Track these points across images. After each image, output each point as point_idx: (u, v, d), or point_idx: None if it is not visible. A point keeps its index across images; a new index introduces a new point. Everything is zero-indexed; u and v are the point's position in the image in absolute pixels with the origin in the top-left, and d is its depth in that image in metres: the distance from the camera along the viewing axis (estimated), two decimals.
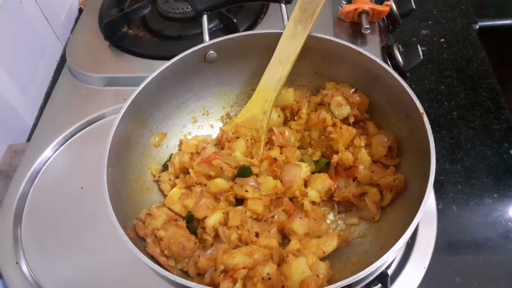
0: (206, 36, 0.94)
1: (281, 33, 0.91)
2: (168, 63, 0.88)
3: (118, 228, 0.68)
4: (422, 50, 1.16)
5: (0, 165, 1.14)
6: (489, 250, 0.99)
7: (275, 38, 0.91)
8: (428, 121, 0.76)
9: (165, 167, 0.94)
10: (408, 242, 0.92)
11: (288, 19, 0.91)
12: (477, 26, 1.46)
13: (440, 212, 1.01)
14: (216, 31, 1.24)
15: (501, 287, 0.94)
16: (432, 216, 0.97)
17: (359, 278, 0.62)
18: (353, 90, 0.91)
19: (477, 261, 0.97)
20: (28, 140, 1.22)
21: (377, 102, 0.90)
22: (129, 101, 0.83)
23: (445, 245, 0.99)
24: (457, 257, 0.99)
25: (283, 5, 0.95)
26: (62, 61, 1.40)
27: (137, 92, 0.84)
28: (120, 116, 0.81)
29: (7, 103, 1.18)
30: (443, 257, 0.97)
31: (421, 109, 0.77)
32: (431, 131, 0.74)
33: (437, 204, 1.01)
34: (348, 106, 0.90)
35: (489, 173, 1.11)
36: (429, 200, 0.97)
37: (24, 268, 0.91)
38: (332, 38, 0.89)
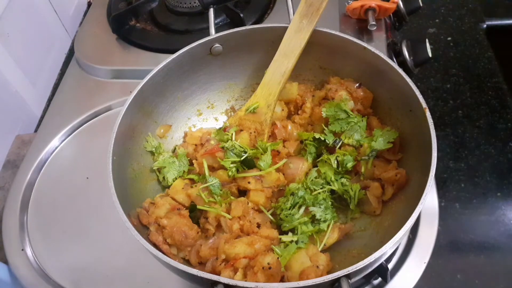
0: (212, 30, 0.95)
1: (287, 27, 0.91)
2: (174, 55, 0.89)
3: (122, 215, 0.69)
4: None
5: (8, 155, 1.16)
6: (491, 249, 0.99)
7: (280, 32, 0.91)
8: (430, 115, 0.76)
9: None
10: (409, 237, 0.93)
11: (294, 13, 0.92)
12: (485, 25, 1.46)
13: (442, 209, 1.01)
14: (223, 26, 1.24)
15: (502, 285, 0.94)
16: (434, 213, 0.97)
17: (358, 268, 0.63)
18: (357, 85, 0.91)
19: (479, 259, 0.98)
20: (36, 131, 1.24)
21: (381, 97, 0.91)
22: (135, 91, 0.84)
23: (447, 243, 0.99)
24: (459, 254, 0.99)
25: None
26: (71, 53, 1.42)
27: (143, 83, 0.86)
28: (126, 106, 0.82)
29: (16, 94, 1.19)
30: (445, 254, 0.97)
31: (424, 104, 0.78)
32: (433, 125, 0.75)
33: (440, 202, 1.01)
34: (352, 101, 0.90)
35: (493, 172, 1.11)
36: (432, 197, 0.98)
37: (30, 255, 0.93)
38: (337, 33, 0.90)
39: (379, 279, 0.88)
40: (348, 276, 0.63)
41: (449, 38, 1.43)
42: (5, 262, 0.93)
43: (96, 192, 1.00)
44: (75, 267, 0.92)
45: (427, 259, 0.90)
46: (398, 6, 1.22)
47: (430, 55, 1.11)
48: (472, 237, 1.01)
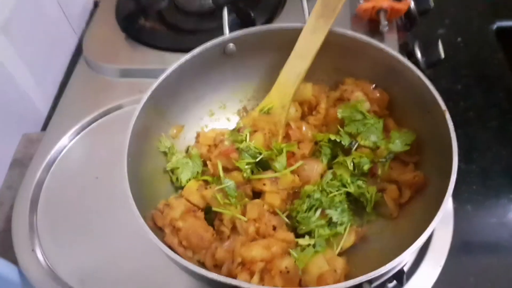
0: (226, 29, 0.94)
1: (302, 27, 0.90)
2: (188, 55, 0.88)
3: (139, 218, 0.68)
4: None
5: (15, 153, 1.15)
6: (504, 251, 0.98)
7: (295, 33, 0.90)
8: (450, 118, 0.76)
9: None
10: None
11: (309, 14, 0.91)
12: (495, 27, 1.45)
13: (454, 212, 1.00)
14: (233, 25, 1.22)
15: None
16: (449, 215, 0.96)
17: (379, 274, 0.62)
18: (373, 86, 0.90)
19: (491, 262, 0.97)
20: (43, 129, 1.23)
21: (397, 99, 0.90)
22: (150, 91, 0.83)
23: (459, 245, 0.98)
24: (471, 257, 0.98)
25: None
26: (77, 52, 1.41)
27: (157, 83, 0.85)
28: (141, 106, 0.81)
29: (22, 92, 1.18)
30: (457, 256, 0.96)
31: (443, 106, 0.77)
32: (453, 128, 0.74)
33: (452, 204, 1.00)
34: (368, 102, 0.89)
35: (505, 174, 1.10)
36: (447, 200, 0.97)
37: (40, 255, 0.92)
38: (353, 34, 0.89)
39: (394, 282, 0.87)
40: (369, 281, 0.62)
41: (459, 39, 1.42)
42: (15, 263, 0.92)
43: (106, 192, 0.98)
44: (85, 268, 0.91)
45: (442, 262, 0.89)
46: (409, 7, 1.21)
47: (442, 55, 1.10)
48: (485, 240, 1.00)
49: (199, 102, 0.99)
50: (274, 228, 0.79)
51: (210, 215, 0.83)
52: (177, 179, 0.88)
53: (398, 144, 0.83)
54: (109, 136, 1.06)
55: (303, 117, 0.97)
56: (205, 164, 0.90)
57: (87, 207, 0.99)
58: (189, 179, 0.87)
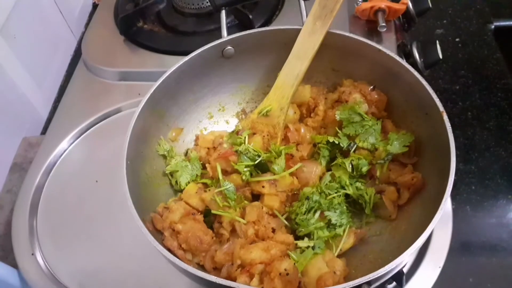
0: (224, 32, 0.94)
1: (300, 29, 0.91)
2: (186, 57, 0.89)
3: (138, 221, 0.69)
4: None
5: (15, 157, 1.15)
6: (502, 251, 0.98)
7: (293, 34, 0.91)
8: (448, 119, 0.76)
9: None
10: None
11: (306, 15, 0.91)
12: (493, 26, 1.45)
13: (453, 212, 1.00)
14: (231, 27, 1.23)
15: None
16: (448, 216, 0.96)
17: (379, 275, 0.62)
18: (371, 87, 0.90)
19: (491, 262, 0.97)
20: (42, 133, 1.23)
21: (396, 100, 0.90)
22: (149, 94, 0.84)
23: (458, 246, 0.98)
24: (470, 257, 0.98)
25: (302, 1, 0.95)
26: (76, 55, 1.41)
27: (156, 86, 0.85)
28: (140, 109, 0.81)
29: (22, 96, 1.18)
30: (456, 257, 0.96)
31: (441, 108, 0.77)
32: (451, 130, 0.74)
33: (451, 205, 1.00)
34: (366, 104, 0.89)
35: (504, 174, 1.11)
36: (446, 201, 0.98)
37: (40, 259, 0.92)
38: (351, 35, 0.89)
39: (393, 283, 0.87)
40: (369, 283, 0.62)
41: (457, 39, 1.42)
42: (15, 266, 0.92)
43: (106, 195, 0.99)
44: (85, 271, 0.91)
45: (441, 263, 0.89)
46: (407, 7, 1.21)
47: (440, 56, 1.10)
48: (484, 240, 1.00)
49: (198, 105, 0.99)
50: (273, 230, 0.79)
51: (209, 218, 0.83)
52: (176, 182, 0.88)
53: (396, 145, 0.83)
54: (108, 140, 1.07)
55: (301, 119, 0.97)
56: (204, 167, 0.90)
57: (87, 210, 0.99)
58: (188, 182, 0.88)
